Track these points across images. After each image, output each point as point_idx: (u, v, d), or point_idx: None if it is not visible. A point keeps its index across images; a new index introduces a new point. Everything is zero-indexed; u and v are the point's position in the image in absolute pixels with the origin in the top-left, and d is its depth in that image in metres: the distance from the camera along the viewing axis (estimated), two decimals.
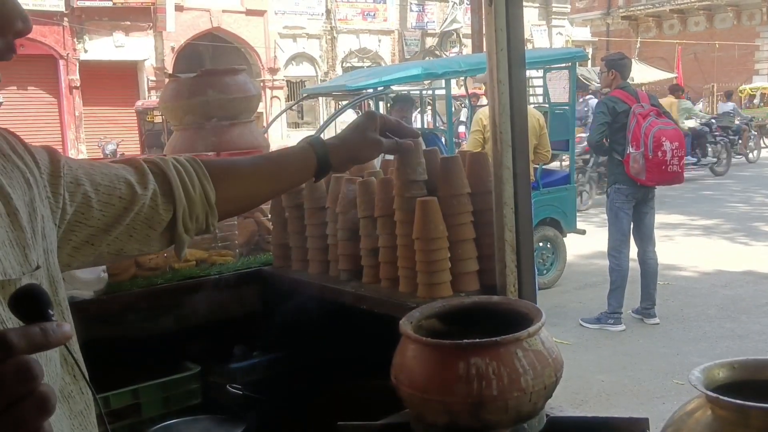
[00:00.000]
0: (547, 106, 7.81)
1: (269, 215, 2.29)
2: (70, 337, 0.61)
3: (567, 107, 7.80)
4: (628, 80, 6.33)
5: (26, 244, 0.88)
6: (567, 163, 8.36)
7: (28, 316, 0.62)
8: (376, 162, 2.34)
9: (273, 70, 23.75)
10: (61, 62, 20.52)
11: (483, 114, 6.45)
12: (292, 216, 2.05)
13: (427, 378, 1.32)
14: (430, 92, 10.38)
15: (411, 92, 9.27)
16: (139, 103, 18.80)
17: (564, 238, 7.49)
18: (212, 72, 2.54)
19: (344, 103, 9.40)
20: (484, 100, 10.83)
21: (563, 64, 8.57)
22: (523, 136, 1.62)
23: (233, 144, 2.44)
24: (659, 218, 6.87)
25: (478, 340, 1.30)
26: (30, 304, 0.62)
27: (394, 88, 8.61)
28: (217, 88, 2.45)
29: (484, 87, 6.78)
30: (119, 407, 1.80)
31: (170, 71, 20.06)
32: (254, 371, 1.92)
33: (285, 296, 2.12)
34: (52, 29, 19.91)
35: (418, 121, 11.06)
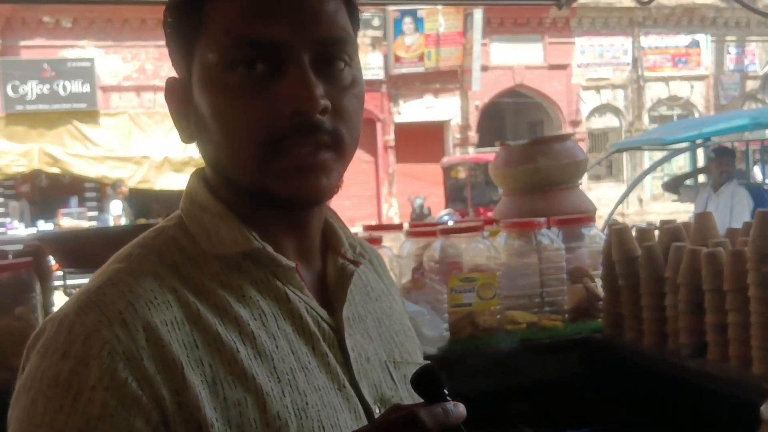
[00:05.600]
0: None
1: (596, 281, 2.28)
2: (464, 417, 0.67)
3: None
4: None
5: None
6: None
7: (428, 394, 0.68)
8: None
9: (575, 123, 23.54)
10: (378, 125, 22.59)
11: None
12: (626, 284, 2.01)
13: None
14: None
15: (734, 143, 8.54)
16: (444, 159, 19.90)
17: None
18: (542, 140, 2.63)
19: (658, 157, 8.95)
20: None
21: None
22: None
23: (561, 209, 2.47)
24: None
25: None
26: (430, 383, 0.69)
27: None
28: (547, 155, 2.52)
29: None
30: None
31: (474, 129, 20.97)
32: None
33: (616, 366, 2.08)
34: (372, 96, 22.03)
35: (758, 173, 9.99)
